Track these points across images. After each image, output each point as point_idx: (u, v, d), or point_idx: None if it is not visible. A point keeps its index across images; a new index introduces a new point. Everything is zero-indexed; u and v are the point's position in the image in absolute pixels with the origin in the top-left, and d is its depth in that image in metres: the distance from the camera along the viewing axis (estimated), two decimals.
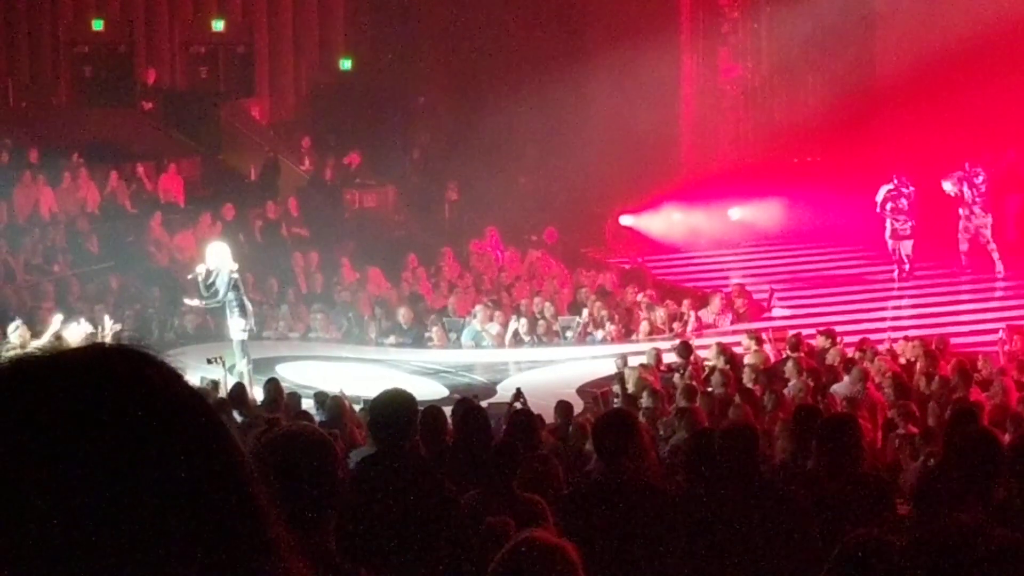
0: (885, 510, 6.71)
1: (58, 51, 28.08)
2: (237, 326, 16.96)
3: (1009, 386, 12.85)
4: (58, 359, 1.25)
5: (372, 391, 6.87)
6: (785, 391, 12.89)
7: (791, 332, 16.75)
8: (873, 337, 16.77)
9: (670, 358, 15.85)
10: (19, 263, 20.74)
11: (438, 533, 5.71)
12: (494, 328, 19.69)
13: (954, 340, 16.73)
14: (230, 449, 1.26)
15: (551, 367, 18.50)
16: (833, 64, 24.40)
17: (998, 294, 20.76)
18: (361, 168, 25.72)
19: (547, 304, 20.23)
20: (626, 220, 24.23)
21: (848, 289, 21.25)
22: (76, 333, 16.24)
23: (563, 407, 12.39)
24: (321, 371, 18.00)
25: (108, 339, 15.48)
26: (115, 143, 24.89)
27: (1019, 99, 22.21)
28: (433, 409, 8.29)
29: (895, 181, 21.29)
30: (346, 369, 18.06)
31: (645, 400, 12.46)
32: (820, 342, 15.88)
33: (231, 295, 16.95)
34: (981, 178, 21.16)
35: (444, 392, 16.65)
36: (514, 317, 19.82)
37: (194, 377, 15.30)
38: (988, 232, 21.24)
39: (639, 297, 20.48)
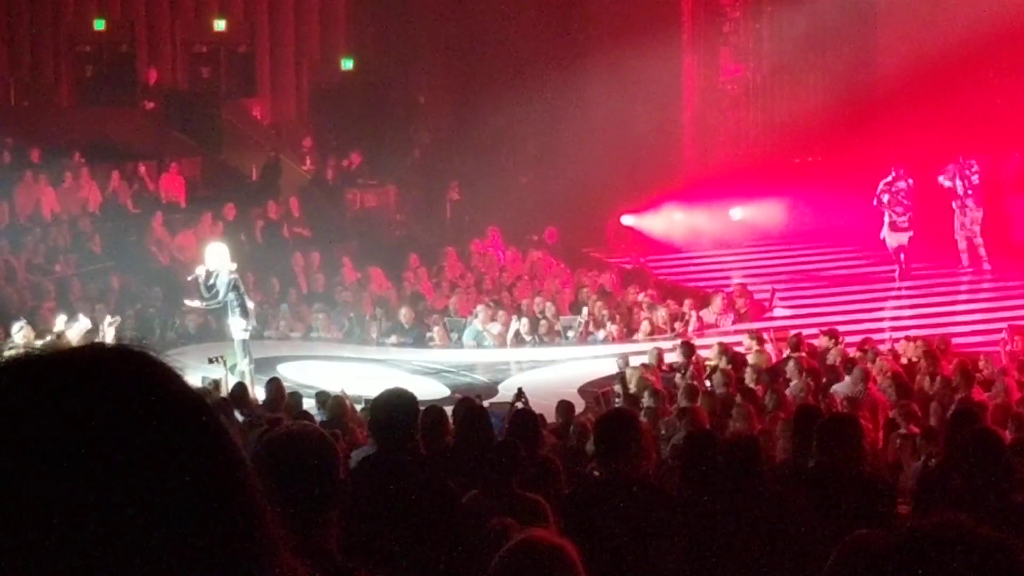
0: (886, 510, 6.71)
1: (60, 51, 28.07)
2: (238, 326, 16.97)
3: (1011, 386, 12.85)
4: (56, 358, 1.25)
5: (373, 391, 6.87)
6: (787, 391, 12.89)
7: (792, 332, 16.75)
8: (874, 337, 16.76)
9: (671, 358, 15.85)
10: (21, 263, 20.74)
11: (439, 533, 5.71)
12: (495, 328, 19.69)
13: (955, 340, 16.73)
14: (228, 449, 1.26)
15: (552, 367, 18.51)
16: (834, 64, 24.40)
17: (985, 285, 20.78)
18: (362, 168, 25.73)
19: (548, 304, 20.23)
20: (627, 220, 24.23)
21: (849, 289, 21.25)
22: (78, 332, 16.26)
23: (564, 407, 12.40)
24: (323, 371, 18.02)
25: (109, 339, 15.48)
26: (116, 143, 24.89)
27: (1021, 98, 22.20)
28: (434, 409, 8.29)
29: (893, 173, 21.34)
30: (347, 369, 18.07)
31: (646, 400, 12.46)
32: (823, 342, 15.88)
33: (231, 295, 16.96)
34: (974, 170, 21.19)
35: (445, 392, 16.65)
36: (515, 317, 19.83)
37: (195, 377, 15.31)
38: (978, 227, 21.27)
39: (640, 297, 20.49)
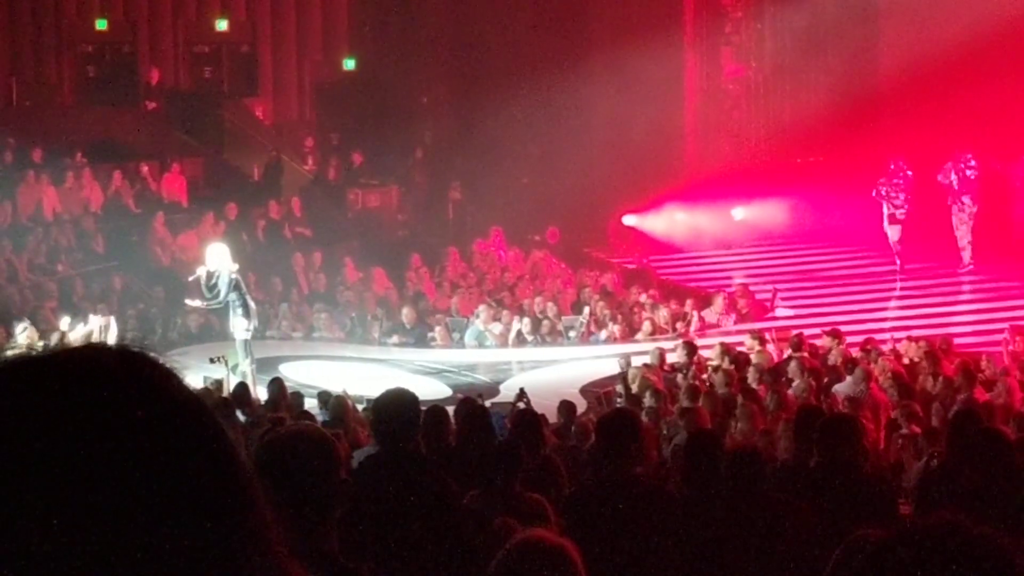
0: (887, 510, 6.71)
1: (62, 51, 28.08)
2: (240, 326, 16.97)
3: (1013, 386, 12.85)
4: (54, 359, 1.25)
5: (375, 391, 6.85)
6: (789, 391, 12.89)
7: (794, 332, 16.75)
8: (876, 337, 16.75)
9: (673, 358, 15.85)
10: (23, 262, 20.75)
11: (440, 533, 5.71)
12: (497, 328, 19.70)
13: (957, 340, 16.73)
14: (227, 449, 1.26)
15: (554, 367, 18.51)
16: (836, 64, 24.38)
17: (986, 285, 20.80)
18: (364, 168, 25.73)
19: (550, 304, 20.23)
20: (629, 220, 24.22)
21: (851, 289, 21.24)
22: (82, 334, 16.27)
23: (566, 407, 12.40)
24: (324, 371, 18.02)
25: (109, 339, 15.49)
26: (118, 143, 24.90)
27: (1021, 97, 22.19)
28: (436, 409, 8.29)
29: (892, 166, 21.43)
30: (349, 369, 18.07)
31: (648, 400, 12.46)
32: (826, 342, 15.88)
33: (233, 295, 16.96)
34: (971, 164, 21.23)
35: (447, 392, 16.65)
36: (517, 317, 19.83)
37: (197, 377, 15.31)
38: (971, 223, 21.35)
39: (642, 297, 20.49)
